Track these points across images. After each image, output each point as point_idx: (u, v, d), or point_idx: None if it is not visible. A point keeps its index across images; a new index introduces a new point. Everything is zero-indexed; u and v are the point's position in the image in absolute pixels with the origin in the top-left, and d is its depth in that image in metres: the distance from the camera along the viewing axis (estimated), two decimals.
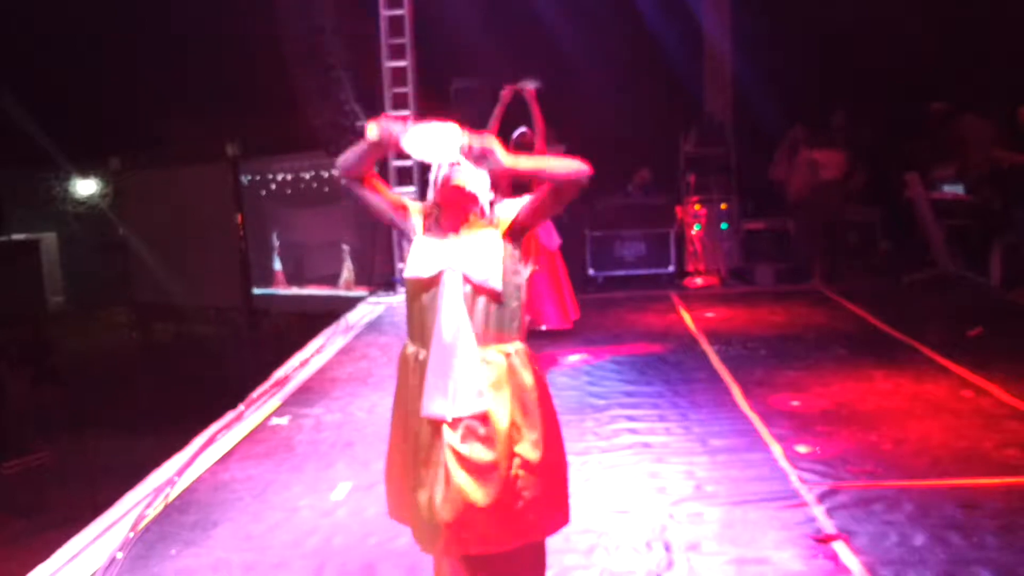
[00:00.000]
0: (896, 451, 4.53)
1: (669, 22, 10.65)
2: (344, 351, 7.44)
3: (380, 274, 10.42)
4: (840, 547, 3.55)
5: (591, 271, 9.76)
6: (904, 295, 8.38)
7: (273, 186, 15.60)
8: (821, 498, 3.99)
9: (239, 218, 14.92)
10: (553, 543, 3.68)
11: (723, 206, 9.76)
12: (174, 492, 4.48)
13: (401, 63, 9.88)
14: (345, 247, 13.69)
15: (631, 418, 5.23)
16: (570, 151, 9.55)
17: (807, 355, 6.34)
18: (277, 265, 15.31)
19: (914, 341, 6.50)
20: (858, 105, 9.94)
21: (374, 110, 10.05)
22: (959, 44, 9.47)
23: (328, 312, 9.47)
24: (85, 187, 18.57)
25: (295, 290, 15.12)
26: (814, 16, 9.84)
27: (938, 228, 8.69)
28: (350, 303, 9.79)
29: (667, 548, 3.64)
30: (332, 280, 14.19)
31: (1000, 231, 8.30)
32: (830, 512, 3.85)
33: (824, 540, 3.63)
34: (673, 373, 6.14)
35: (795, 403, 5.34)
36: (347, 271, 13.18)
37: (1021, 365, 5.75)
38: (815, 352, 6.45)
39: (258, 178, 15.76)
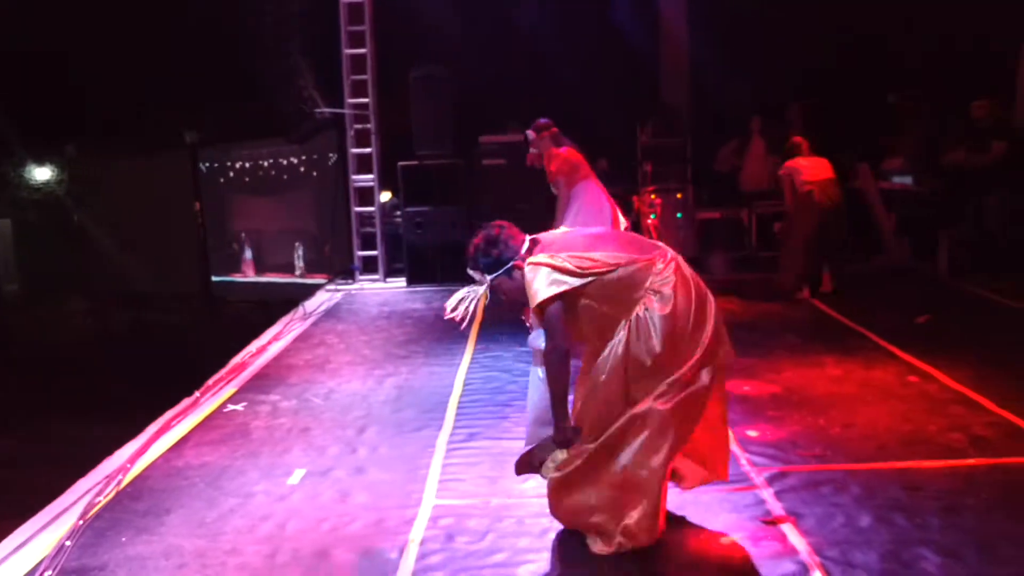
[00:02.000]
0: (844, 435, 4.63)
1: (629, 11, 10.72)
2: (301, 338, 7.41)
3: (338, 262, 10.38)
4: (788, 529, 3.63)
5: None
6: (854, 283, 8.51)
7: (232, 173, 15.44)
8: (770, 481, 4.07)
9: (197, 205, 14.76)
10: (506, 527, 3.76)
11: (679, 196, 9.86)
12: (126, 479, 4.45)
13: (360, 51, 9.83)
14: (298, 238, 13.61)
15: None
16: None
17: (760, 342, 6.43)
18: (248, 254, 15.16)
19: (864, 329, 6.64)
20: (811, 97, 10.11)
21: (334, 97, 10.00)
22: (911, 41, 9.67)
23: (287, 300, 9.43)
24: (41, 173, 18.21)
25: (254, 278, 15.00)
26: (770, 10, 9.98)
27: (888, 218, 8.85)
28: (309, 291, 9.74)
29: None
30: (291, 268, 14.11)
31: (947, 222, 8.50)
32: (779, 495, 3.93)
33: (773, 522, 3.70)
34: None
35: (747, 388, 5.43)
36: (299, 260, 13.09)
37: (965, 351, 5.90)
38: (767, 340, 6.54)
39: (216, 165, 15.58)
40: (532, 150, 6.77)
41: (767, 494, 3.95)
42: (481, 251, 3.58)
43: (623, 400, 3.40)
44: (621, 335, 3.39)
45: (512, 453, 4.54)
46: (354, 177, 10.06)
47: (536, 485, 4.13)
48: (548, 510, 3.65)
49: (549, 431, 3.61)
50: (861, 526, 3.63)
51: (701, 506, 3.85)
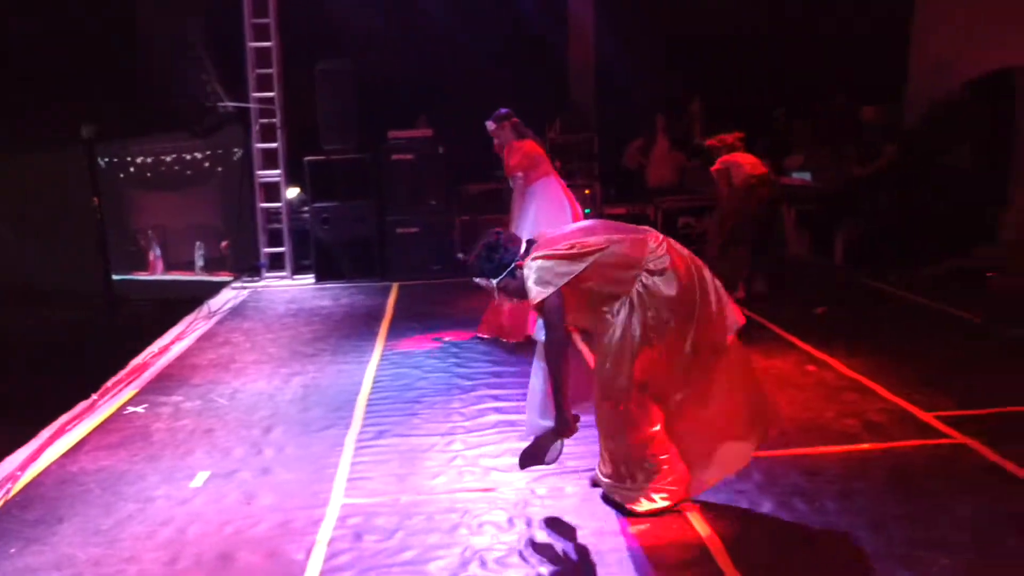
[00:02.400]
0: None
1: (538, 8, 10.77)
2: (205, 337, 7.22)
3: (244, 259, 10.14)
4: (694, 516, 3.71)
5: (460, 255, 9.77)
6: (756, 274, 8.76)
7: (132, 168, 14.91)
8: None
9: (96, 201, 14.20)
10: (416, 524, 3.74)
11: (587, 192, 9.95)
12: (15, 488, 4.25)
13: (265, 44, 9.61)
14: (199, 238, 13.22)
15: (497, 397, 5.30)
16: (440, 138, 9.57)
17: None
18: (156, 251, 14.62)
19: (764, 320, 6.81)
20: (714, 96, 10.36)
21: (238, 91, 9.75)
22: (807, 45, 10.01)
23: (191, 298, 9.15)
24: None
25: (160, 276, 14.52)
26: (675, 12, 10.19)
27: (788, 212, 9.12)
28: (214, 289, 9.49)
29: (528, 524, 3.71)
30: (194, 265, 13.71)
31: (843, 217, 8.82)
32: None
33: (679, 510, 3.77)
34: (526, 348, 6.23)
35: None
36: (199, 258, 12.73)
37: (860, 341, 6.12)
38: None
39: (116, 160, 15.02)
40: (496, 136, 6.52)
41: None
42: (484, 258, 3.75)
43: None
44: (623, 313, 3.58)
45: (422, 449, 4.54)
46: (259, 172, 9.83)
47: (446, 481, 4.14)
48: (456, 507, 3.63)
49: (549, 422, 3.73)
50: (762, 511, 3.74)
51: None
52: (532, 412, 3.89)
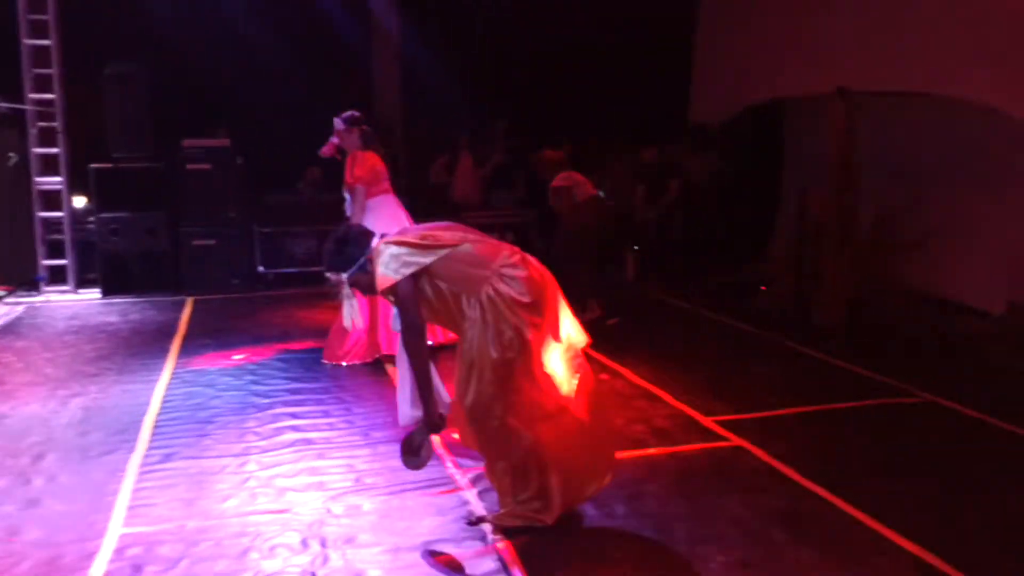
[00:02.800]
0: None
1: (344, 20, 10.65)
2: None
3: (21, 272, 9.35)
4: (489, 528, 3.74)
5: (261, 268, 9.49)
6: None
7: None
8: (474, 482, 4.19)
9: None
10: (203, 550, 3.56)
11: None
12: None
13: (44, 42, 8.96)
14: None
15: (294, 415, 5.16)
16: (239, 147, 9.24)
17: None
18: None
19: None
20: (517, 116, 10.65)
21: (12, 92, 9.02)
22: (601, 79, 10.52)
23: None
24: None
25: None
26: (480, 31, 10.39)
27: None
28: None
29: (323, 544, 3.62)
30: None
31: (634, 234, 9.29)
32: (481, 495, 4.05)
33: (475, 522, 3.80)
34: (340, 369, 6.13)
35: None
36: None
37: (648, 350, 6.45)
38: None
39: None
40: (334, 139, 6.17)
41: (471, 495, 4.06)
42: (334, 252, 3.69)
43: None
44: (477, 326, 3.49)
45: (213, 472, 4.35)
46: (38, 179, 9.13)
47: (238, 504, 3.98)
48: (247, 531, 3.49)
49: (419, 412, 3.71)
50: (557, 520, 3.83)
51: (407, 512, 3.89)
52: (404, 403, 3.80)
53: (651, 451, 4.58)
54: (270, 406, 5.34)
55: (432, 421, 3.66)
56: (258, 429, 4.95)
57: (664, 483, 4.19)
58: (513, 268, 3.57)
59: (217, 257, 9.12)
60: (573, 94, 10.65)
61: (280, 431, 4.91)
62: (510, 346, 3.47)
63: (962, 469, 4.33)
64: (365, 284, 3.70)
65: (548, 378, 3.57)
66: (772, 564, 3.43)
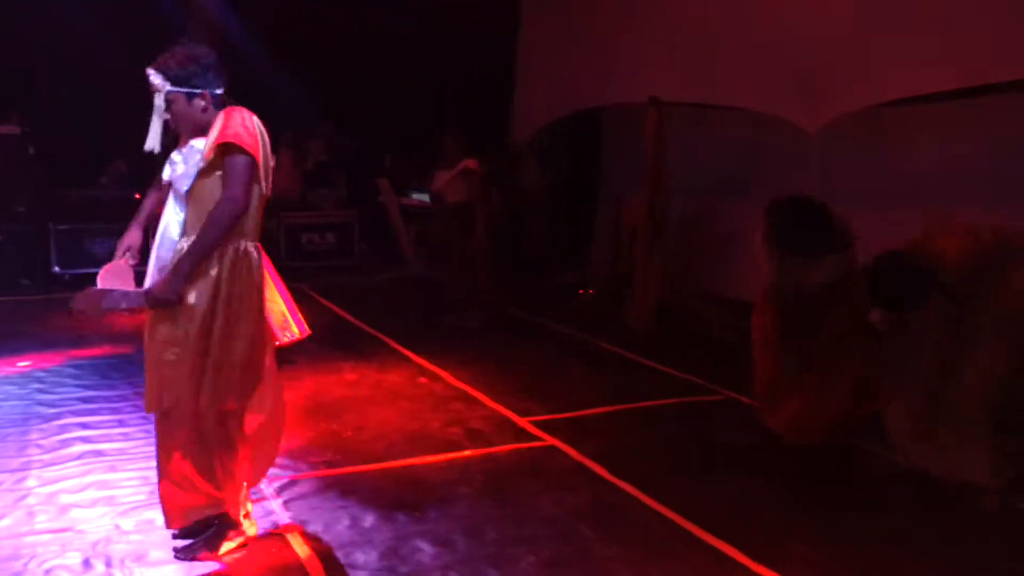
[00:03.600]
0: (356, 438, 4.74)
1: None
2: None
3: None
4: (293, 538, 3.58)
5: (57, 268, 8.80)
6: (375, 291, 8.92)
7: None
8: (280, 491, 4.01)
9: None
10: None
11: None
12: None
13: None
14: None
15: (85, 425, 4.78)
16: (33, 136, 8.54)
17: (281, 351, 6.34)
18: None
19: (381, 334, 6.91)
20: (343, 116, 10.44)
21: None
22: (432, 70, 10.47)
23: None
24: None
25: None
26: (308, 27, 10.10)
27: (406, 230, 9.40)
28: None
29: (108, 563, 3.34)
30: None
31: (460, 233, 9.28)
32: (287, 504, 3.88)
33: (279, 532, 3.63)
34: (141, 376, 5.71)
35: None
36: None
37: (468, 352, 6.44)
38: (286, 349, 6.49)
39: None
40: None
41: (276, 504, 3.88)
42: (176, 60, 3.19)
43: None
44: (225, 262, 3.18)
45: None
46: None
47: (12, 523, 3.64)
48: (22, 552, 3.16)
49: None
50: (365, 526, 3.71)
51: None
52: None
53: (465, 453, 4.54)
54: (57, 416, 4.93)
55: (165, 295, 3.14)
56: (41, 441, 4.54)
57: (477, 486, 4.15)
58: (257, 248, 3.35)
59: (4, 255, 8.38)
60: (401, 103, 10.55)
61: (67, 443, 4.53)
62: (242, 317, 3.25)
63: (762, 463, 4.51)
64: (179, 111, 3.20)
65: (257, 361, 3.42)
66: (581, 562, 3.45)
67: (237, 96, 3.38)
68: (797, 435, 4.60)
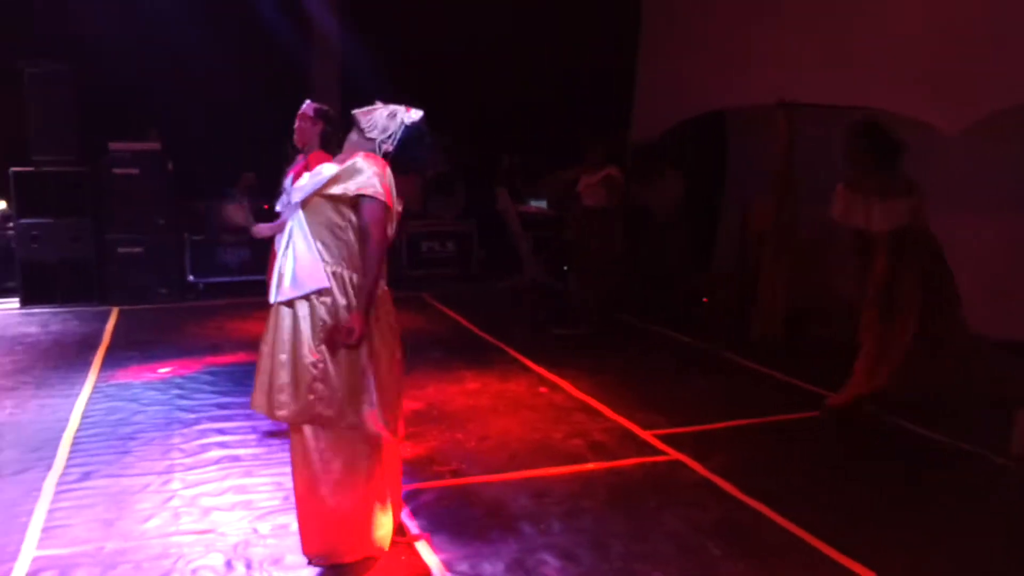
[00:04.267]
0: (479, 447, 4.79)
1: (281, 22, 10.44)
2: None
3: None
4: (422, 546, 3.64)
5: (191, 277, 9.23)
6: (494, 299, 8.97)
7: None
8: (407, 499, 4.07)
9: None
10: (123, 573, 3.40)
11: None
12: None
13: None
14: None
15: (222, 431, 4.99)
16: (170, 152, 8.98)
17: (406, 359, 6.48)
18: None
19: (501, 343, 6.96)
20: (459, 123, 10.53)
21: None
22: (548, 72, 10.48)
23: None
24: None
25: None
26: (422, 38, 10.28)
27: (525, 238, 9.43)
28: None
29: (248, 565, 3.48)
30: None
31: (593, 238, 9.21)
32: (414, 512, 3.95)
33: (406, 541, 3.70)
34: None
35: None
36: None
37: (588, 362, 6.41)
38: (412, 356, 6.56)
39: None
40: (302, 123, 5.65)
41: (403, 513, 3.94)
42: (422, 135, 3.57)
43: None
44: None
45: (134, 491, 4.18)
46: None
47: (160, 524, 3.82)
48: (170, 551, 3.32)
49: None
50: (491, 537, 3.74)
51: None
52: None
53: (588, 466, 4.52)
54: (196, 421, 5.16)
55: (348, 334, 3.31)
56: (183, 446, 4.77)
57: (601, 499, 4.12)
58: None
59: (144, 266, 8.84)
60: (517, 111, 10.59)
61: (206, 447, 4.74)
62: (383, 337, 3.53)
63: (898, 481, 4.35)
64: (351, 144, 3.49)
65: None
66: None
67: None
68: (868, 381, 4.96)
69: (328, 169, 3.41)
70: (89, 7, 9.21)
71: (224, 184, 10.00)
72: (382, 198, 3.33)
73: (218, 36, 9.79)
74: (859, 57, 6.89)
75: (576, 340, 7.19)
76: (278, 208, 5.77)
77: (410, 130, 3.52)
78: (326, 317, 3.33)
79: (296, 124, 5.53)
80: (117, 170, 8.78)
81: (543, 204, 9.67)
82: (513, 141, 10.21)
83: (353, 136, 3.54)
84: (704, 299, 8.19)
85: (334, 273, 3.37)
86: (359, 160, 3.37)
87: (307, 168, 5.54)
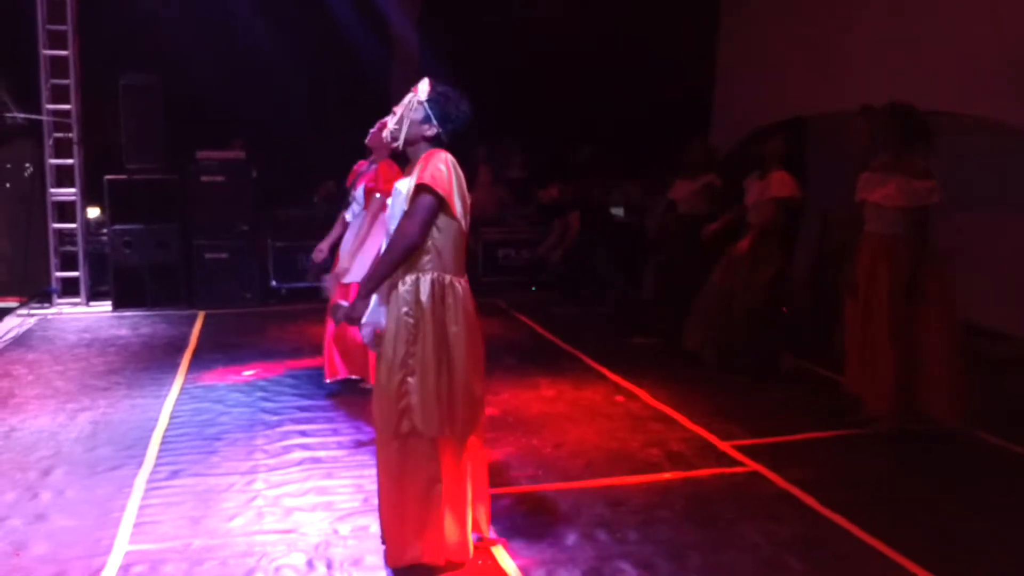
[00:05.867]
0: (555, 454, 4.80)
1: (362, 32, 10.64)
2: None
3: (33, 284, 9.35)
4: (499, 551, 3.67)
5: (274, 282, 9.46)
6: (569, 306, 8.96)
7: None
8: None
9: None
10: (208, 569, 3.51)
11: None
12: None
13: (62, 52, 8.99)
14: None
15: (304, 433, 5.10)
16: (254, 160, 9.24)
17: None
18: None
19: (576, 350, 6.96)
20: (534, 129, 10.59)
21: (29, 102, 9.06)
22: (624, 80, 10.43)
23: None
24: None
25: None
26: (499, 45, 10.35)
27: (603, 247, 9.39)
28: None
29: (329, 566, 3.55)
30: None
31: (654, 251, 9.15)
32: (492, 517, 3.97)
33: (485, 545, 3.73)
34: (352, 385, 6.06)
35: None
36: None
37: (665, 371, 6.36)
38: (488, 361, 6.63)
39: None
40: (380, 132, 5.80)
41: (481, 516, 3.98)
42: (443, 90, 3.49)
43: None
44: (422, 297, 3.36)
45: (220, 490, 4.30)
46: (53, 191, 9.15)
47: (244, 523, 3.92)
48: (253, 550, 3.42)
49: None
50: (567, 544, 3.75)
51: None
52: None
53: (665, 475, 4.49)
54: (279, 423, 5.29)
55: (354, 312, 3.49)
56: (266, 447, 4.89)
57: (678, 509, 4.10)
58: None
59: (229, 271, 9.10)
60: (594, 118, 10.57)
61: (288, 449, 4.85)
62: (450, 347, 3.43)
63: (983, 498, 4.22)
64: (411, 121, 3.43)
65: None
66: None
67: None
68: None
69: (403, 185, 3.43)
70: (179, 21, 9.55)
71: (306, 191, 10.27)
72: (437, 187, 3.29)
73: (299, 47, 10.05)
74: (944, 61, 6.72)
75: (654, 349, 7.14)
76: (348, 217, 5.92)
77: (435, 98, 3.45)
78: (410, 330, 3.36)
79: (375, 128, 5.71)
80: (204, 178, 9.05)
81: (620, 211, 9.63)
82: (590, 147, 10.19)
83: (410, 154, 3.52)
84: (784, 309, 8.04)
85: (433, 281, 3.36)
86: (429, 163, 3.36)
87: (377, 178, 5.72)
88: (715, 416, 5.36)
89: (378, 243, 5.62)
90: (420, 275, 3.37)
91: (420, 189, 3.32)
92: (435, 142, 3.45)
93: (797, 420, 5.30)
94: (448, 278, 3.40)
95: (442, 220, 3.37)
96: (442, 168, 3.33)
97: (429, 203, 3.32)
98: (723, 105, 10.23)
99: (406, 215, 3.35)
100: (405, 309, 3.36)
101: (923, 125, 4.97)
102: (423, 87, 3.48)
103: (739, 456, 4.72)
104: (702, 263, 6.98)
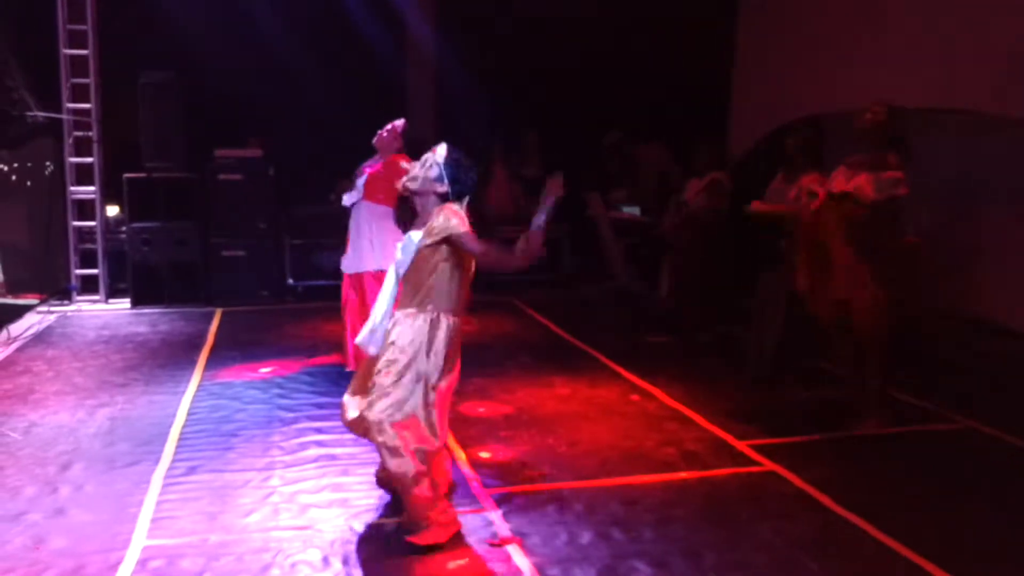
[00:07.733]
0: (570, 453, 4.79)
1: (379, 33, 10.66)
2: (2, 366, 6.63)
3: (53, 281, 9.44)
4: (514, 550, 3.67)
5: (290, 280, 9.50)
6: (584, 305, 8.95)
7: None
8: (499, 502, 4.12)
9: None
10: (224, 565, 3.53)
11: None
12: None
13: (82, 52, 9.06)
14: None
15: (319, 430, 5.12)
16: (271, 158, 9.27)
17: (495, 363, 6.54)
18: None
19: (591, 349, 6.95)
20: (549, 128, 10.56)
21: (50, 101, 9.13)
22: (641, 79, 10.40)
23: None
24: None
25: None
26: (514, 44, 10.34)
27: (616, 245, 9.37)
28: (16, 312, 8.77)
29: (345, 562, 3.57)
30: None
31: (669, 249, 9.12)
32: (506, 515, 3.98)
33: (499, 543, 3.73)
34: None
35: (481, 409, 5.50)
36: None
37: (681, 370, 6.34)
38: (503, 360, 6.67)
39: None
40: (388, 135, 6.14)
41: (495, 516, 3.99)
42: (458, 160, 3.84)
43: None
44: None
45: (236, 486, 4.32)
46: (73, 189, 9.23)
47: (260, 519, 3.94)
48: (269, 546, 3.44)
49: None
50: (582, 543, 3.75)
51: None
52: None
53: (681, 475, 4.48)
54: (295, 420, 5.31)
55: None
56: (283, 444, 4.91)
57: (693, 508, 4.09)
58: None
59: (246, 268, 9.14)
60: (611, 119, 10.53)
61: (304, 446, 4.87)
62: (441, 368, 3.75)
63: (1002, 498, 4.18)
64: (423, 179, 3.79)
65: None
66: None
67: (452, 121, 3.81)
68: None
69: (416, 236, 3.78)
70: (198, 22, 9.59)
71: (323, 190, 10.29)
72: (468, 230, 3.73)
73: (316, 47, 10.06)
74: (964, 59, 6.67)
75: (669, 348, 7.12)
76: (346, 202, 6.34)
77: (449, 163, 3.81)
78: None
79: (383, 131, 5.91)
80: (222, 176, 9.10)
81: (635, 210, 9.60)
82: (606, 146, 10.17)
83: (418, 203, 3.88)
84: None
85: (431, 320, 3.72)
86: (440, 215, 3.74)
87: (383, 168, 5.88)
88: (730, 415, 5.34)
89: (378, 235, 5.86)
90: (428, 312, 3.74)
91: (453, 236, 3.70)
92: (443, 199, 3.82)
93: (814, 419, 5.27)
94: (454, 320, 3.77)
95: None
96: (461, 216, 3.77)
97: (472, 236, 3.73)
98: (741, 102, 10.18)
99: (471, 249, 3.73)
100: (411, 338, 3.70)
101: (903, 128, 5.13)
102: (441, 150, 3.85)
103: (755, 456, 4.70)
104: (711, 258, 7.03)
